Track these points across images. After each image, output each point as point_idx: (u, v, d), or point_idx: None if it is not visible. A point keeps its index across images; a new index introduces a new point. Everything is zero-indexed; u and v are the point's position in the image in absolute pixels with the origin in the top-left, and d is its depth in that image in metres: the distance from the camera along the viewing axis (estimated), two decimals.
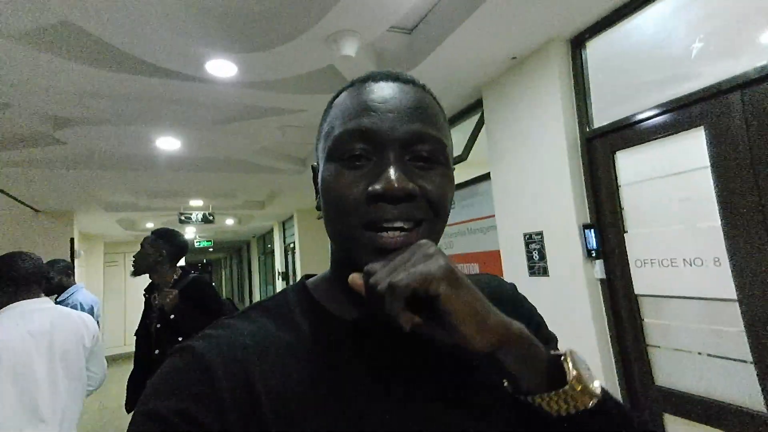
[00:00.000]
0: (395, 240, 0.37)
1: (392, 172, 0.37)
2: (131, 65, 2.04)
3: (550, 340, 0.52)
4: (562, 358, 0.38)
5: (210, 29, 1.84)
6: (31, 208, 4.89)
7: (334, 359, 0.40)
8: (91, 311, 2.79)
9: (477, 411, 0.41)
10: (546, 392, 0.37)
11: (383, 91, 0.42)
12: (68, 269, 2.91)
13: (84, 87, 2.16)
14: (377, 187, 0.37)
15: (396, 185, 0.37)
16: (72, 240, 5.23)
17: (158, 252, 1.96)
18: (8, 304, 1.55)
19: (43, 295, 1.68)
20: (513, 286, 0.56)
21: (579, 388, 0.36)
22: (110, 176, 3.88)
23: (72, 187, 4.14)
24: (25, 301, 1.57)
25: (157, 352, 1.91)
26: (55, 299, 2.74)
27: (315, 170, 0.48)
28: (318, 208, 0.46)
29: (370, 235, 0.38)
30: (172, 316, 1.89)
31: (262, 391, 0.36)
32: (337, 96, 0.46)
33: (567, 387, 0.36)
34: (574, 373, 0.36)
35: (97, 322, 2.75)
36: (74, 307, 2.69)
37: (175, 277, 2.04)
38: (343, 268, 0.40)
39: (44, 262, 1.71)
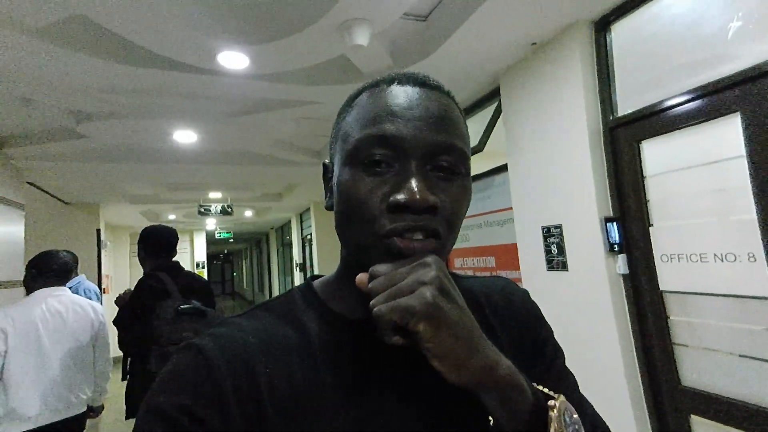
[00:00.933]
0: (412, 247, 0.37)
1: (415, 183, 0.37)
2: (145, 59, 2.05)
3: (557, 355, 0.50)
4: (550, 408, 0.36)
5: (219, 20, 1.83)
6: (60, 200, 5.09)
7: (338, 358, 0.40)
8: (99, 296, 3.21)
9: (482, 411, 0.40)
10: None
11: (408, 95, 0.40)
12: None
13: (101, 81, 2.20)
14: (399, 197, 0.36)
15: (419, 197, 0.36)
16: (98, 231, 5.43)
17: (140, 253, 2.03)
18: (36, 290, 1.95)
19: (64, 285, 2.01)
20: (525, 292, 0.55)
21: None
22: (131, 169, 3.99)
23: (96, 180, 4.28)
24: (48, 288, 1.93)
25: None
26: None
27: (327, 168, 0.46)
28: (328, 208, 0.45)
29: (386, 243, 0.37)
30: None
31: (266, 389, 0.36)
32: (357, 95, 0.43)
33: None
34: (555, 427, 0.35)
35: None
36: (86, 291, 2.98)
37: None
38: (354, 270, 0.39)
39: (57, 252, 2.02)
